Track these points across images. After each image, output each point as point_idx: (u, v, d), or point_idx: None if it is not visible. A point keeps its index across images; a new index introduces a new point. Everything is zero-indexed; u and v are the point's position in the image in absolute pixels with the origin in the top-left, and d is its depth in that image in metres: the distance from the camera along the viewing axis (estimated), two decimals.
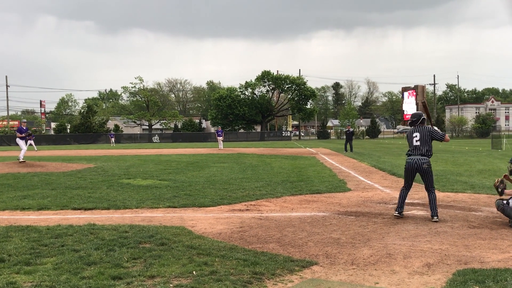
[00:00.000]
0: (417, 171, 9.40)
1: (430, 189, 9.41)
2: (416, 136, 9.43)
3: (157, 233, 7.89)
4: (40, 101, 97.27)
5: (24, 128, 23.53)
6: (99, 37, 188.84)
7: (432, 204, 9.28)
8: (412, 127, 9.71)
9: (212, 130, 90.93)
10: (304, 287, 5.46)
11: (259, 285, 5.45)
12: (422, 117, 9.67)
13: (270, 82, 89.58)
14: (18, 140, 23.47)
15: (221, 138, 45.47)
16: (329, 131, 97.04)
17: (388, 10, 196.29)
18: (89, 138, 74.45)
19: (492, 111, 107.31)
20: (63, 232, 8.01)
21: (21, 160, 22.81)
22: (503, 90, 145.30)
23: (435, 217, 9.11)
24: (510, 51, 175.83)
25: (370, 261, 6.44)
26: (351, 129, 38.45)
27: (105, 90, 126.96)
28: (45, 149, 45.91)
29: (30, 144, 47.20)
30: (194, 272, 5.82)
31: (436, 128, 9.65)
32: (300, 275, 5.85)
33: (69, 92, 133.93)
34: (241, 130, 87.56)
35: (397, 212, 9.47)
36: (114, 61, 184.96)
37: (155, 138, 77.64)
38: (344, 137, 38.42)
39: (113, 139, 64.07)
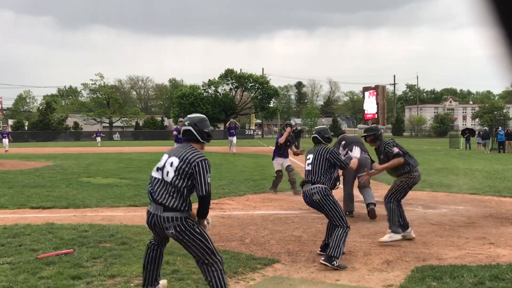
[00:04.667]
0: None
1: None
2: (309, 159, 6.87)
3: (117, 232, 7.79)
4: None
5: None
6: (58, 33, 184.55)
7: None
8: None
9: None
10: (266, 285, 5.48)
11: None
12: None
13: (234, 81, 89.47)
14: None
15: (234, 137, 33.49)
16: None
17: (350, 11, 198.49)
18: (48, 135, 72.87)
19: (450, 111, 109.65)
20: (20, 232, 7.82)
21: None
22: (461, 90, 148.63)
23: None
24: (468, 52, 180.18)
25: None
26: (299, 128, 37.85)
27: (64, 87, 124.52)
28: (2, 146, 44.70)
29: None
30: None
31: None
32: (262, 273, 5.88)
33: (27, 89, 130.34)
34: None
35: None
36: (74, 58, 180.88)
37: (116, 136, 76.59)
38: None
39: (99, 138, 53.08)
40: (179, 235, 4.51)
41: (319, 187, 6.50)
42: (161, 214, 4.51)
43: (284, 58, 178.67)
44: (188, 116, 4.97)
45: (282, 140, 12.92)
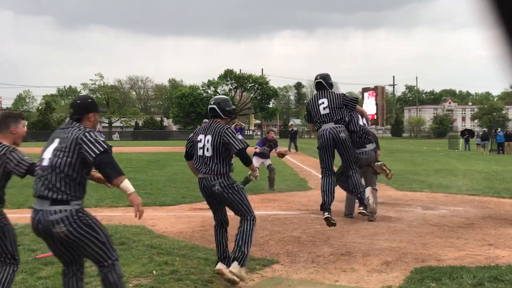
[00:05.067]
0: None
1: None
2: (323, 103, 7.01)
3: (116, 233, 7.78)
4: None
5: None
6: (58, 33, 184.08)
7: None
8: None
9: (174, 128, 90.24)
10: (265, 286, 5.48)
11: (220, 284, 5.44)
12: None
13: (233, 81, 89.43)
14: None
15: None
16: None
17: (349, 11, 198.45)
18: (47, 135, 72.72)
19: (449, 112, 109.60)
20: (19, 232, 7.80)
21: None
22: (460, 91, 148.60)
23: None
24: (467, 53, 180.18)
25: (330, 259, 6.50)
26: (295, 129, 37.54)
27: (64, 87, 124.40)
28: None
29: None
30: (154, 271, 5.77)
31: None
32: (261, 274, 5.87)
33: (27, 89, 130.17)
34: None
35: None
36: (73, 58, 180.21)
37: (115, 136, 76.58)
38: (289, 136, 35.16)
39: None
40: (223, 190, 5.48)
41: (342, 126, 6.83)
42: (209, 176, 5.52)
43: (284, 59, 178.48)
44: (214, 97, 6.07)
45: (257, 150, 13.39)
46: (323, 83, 7.13)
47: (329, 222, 6.93)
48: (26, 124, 4.92)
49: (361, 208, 7.09)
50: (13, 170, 4.41)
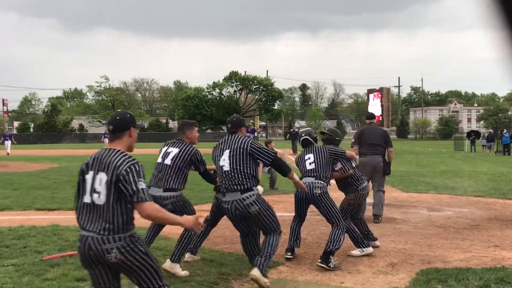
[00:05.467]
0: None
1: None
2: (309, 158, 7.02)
3: None
4: (2, 100, 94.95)
5: None
6: (62, 35, 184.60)
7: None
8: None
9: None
10: None
11: (226, 285, 5.45)
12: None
13: (238, 83, 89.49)
14: None
15: None
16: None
17: (353, 13, 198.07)
18: (53, 137, 73.04)
19: (455, 113, 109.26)
20: (25, 233, 7.85)
21: None
22: (466, 92, 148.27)
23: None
24: (472, 54, 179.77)
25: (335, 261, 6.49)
26: (296, 130, 37.27)
27: (70, 89, 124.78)
28: (4, 148, 44.79)
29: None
30: None
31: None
32: (267, 276, 5.87)
33: (33, 91, 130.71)
34: (209, 131, 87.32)
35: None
36: (79, 60, 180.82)
37: None
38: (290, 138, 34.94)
39: (106, 139, 52.91)
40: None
41: (321, 183, 6.70)
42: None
43: (288, 60, 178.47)
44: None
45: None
46: (309, 139, 7.14)
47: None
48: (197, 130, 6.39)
49: (320, 261, 6.27)
50: (197, 165, 6.01)
